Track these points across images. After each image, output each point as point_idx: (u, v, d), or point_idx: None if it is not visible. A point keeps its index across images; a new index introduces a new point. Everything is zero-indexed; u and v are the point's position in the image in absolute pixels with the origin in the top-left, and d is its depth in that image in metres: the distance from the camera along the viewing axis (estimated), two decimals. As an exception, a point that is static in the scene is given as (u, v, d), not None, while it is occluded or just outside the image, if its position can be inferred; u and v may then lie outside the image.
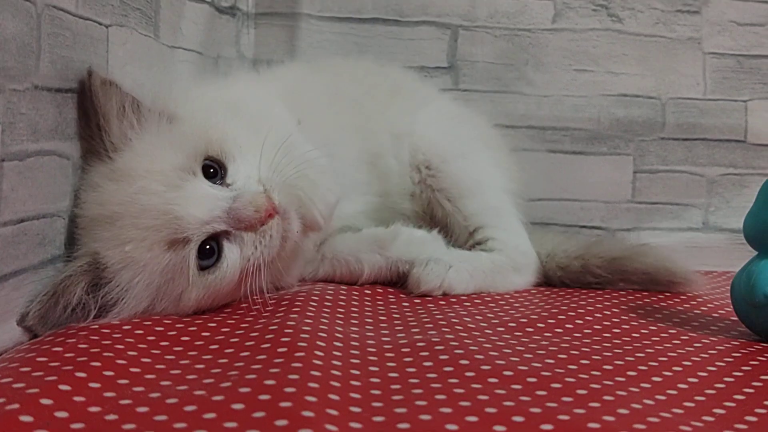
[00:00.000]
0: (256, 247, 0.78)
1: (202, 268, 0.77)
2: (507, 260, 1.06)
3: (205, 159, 0.79)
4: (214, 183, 0.78)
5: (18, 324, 0.71)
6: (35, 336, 0.71)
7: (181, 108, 0.83)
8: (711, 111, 1.44)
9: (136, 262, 0.75)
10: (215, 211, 0.76)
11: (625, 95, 1.42)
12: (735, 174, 1.44)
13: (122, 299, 0.75)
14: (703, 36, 1.43)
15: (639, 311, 0.93)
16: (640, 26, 1.42)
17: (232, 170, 0.80)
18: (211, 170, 0.79)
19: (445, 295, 0.98)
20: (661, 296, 1.04)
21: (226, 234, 0.77)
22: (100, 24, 0.83)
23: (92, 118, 0.79)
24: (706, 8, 1.43)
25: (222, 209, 0.76)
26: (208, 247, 0.77)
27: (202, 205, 0.76)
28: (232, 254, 0.78)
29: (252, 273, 0.78)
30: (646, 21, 1.43)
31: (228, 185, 0.79)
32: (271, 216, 0.78)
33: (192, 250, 0.76)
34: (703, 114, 1.43)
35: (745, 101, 1.44)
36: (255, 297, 0.79)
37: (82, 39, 0.80)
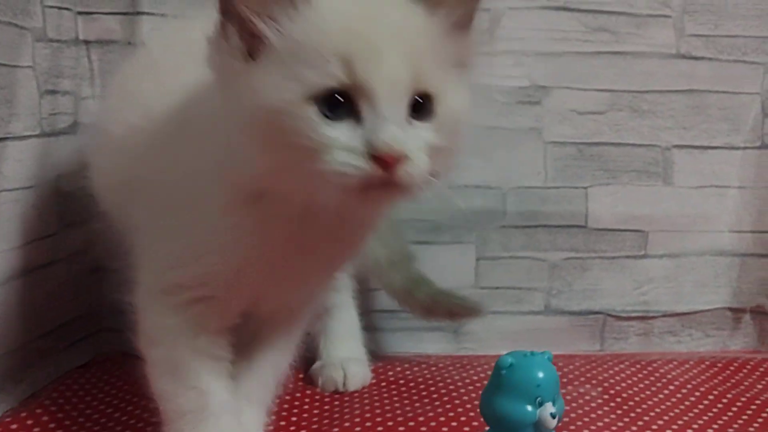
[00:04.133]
0: None
1: None
2: None
3: None
4: None
5: None
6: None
7: None
8: (552, 198, 1.48)
9: None
10: None
11: (468, 186, 1.44)
12: (577, 258, 1.49)
13: None
14: (544, 126, 1.47)
15: None
16: (482, 119, 1.46)
17: None
18: None
19: None
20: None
21: None
22: None
23: None
24: (547, 99, 1.47)
25: None
26: None
27: None
28: None
29: None
30: (487, 113, 1.46)
31: None
32: None
33: None
34: (543, 202, 1.48)
35: (585, 188, 1.49)
36: None
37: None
